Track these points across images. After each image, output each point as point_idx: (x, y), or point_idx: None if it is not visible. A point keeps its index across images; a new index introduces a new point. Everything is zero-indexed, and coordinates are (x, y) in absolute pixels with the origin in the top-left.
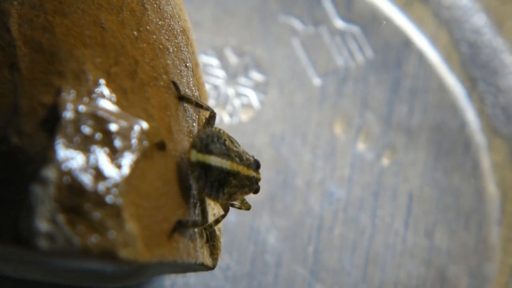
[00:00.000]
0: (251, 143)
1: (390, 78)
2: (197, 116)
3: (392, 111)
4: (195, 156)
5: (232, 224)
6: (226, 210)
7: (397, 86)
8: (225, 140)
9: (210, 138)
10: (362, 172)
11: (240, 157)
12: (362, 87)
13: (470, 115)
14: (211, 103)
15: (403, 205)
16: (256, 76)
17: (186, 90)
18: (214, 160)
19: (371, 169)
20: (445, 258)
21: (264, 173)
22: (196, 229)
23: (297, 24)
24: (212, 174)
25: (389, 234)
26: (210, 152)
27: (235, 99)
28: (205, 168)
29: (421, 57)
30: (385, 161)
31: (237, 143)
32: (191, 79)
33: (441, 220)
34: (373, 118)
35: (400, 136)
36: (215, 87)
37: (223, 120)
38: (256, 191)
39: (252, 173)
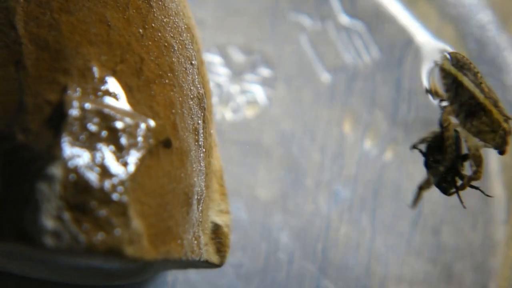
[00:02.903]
0: (258, 140)
1: (396, 76)
2: (202, 114)
3: (398, 109)
4: (448, 65)
5: (245, 221)
6: (477, 162)
7: (402, 84)
8: (479, 76)
9: (466, 65)
10: (368, 170)
11: (494, 101)
12: (369, 85)
13: None
14: (214, 100)
15: (407, 202)
16: (264, 71)
17: (191, 88)
18: (468, 82)
19: (376, 166)
20: (451, 255)
21: (275, 172)
22: (199, 227)
23: (304, 20)
24: (463, 95)
25: (393, 232)
26: (464, 74)
27: (240, 96)
28: (457, 83)
29: None
30: (388, 157)
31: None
32: (196, 76)
33: (448, 219)
34: (381, 115)
35: (404, 131)
36: (218, 85)
37: (225, 117)
38: (502, 149)
39: (503, 123)
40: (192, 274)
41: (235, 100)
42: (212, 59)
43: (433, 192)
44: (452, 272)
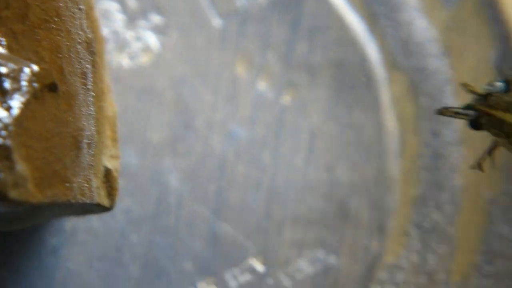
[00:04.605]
0: (152, 87)
1: (290, 17)
2: (91, 58)
3: (292, 49)
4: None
5: (134, 166)
6: None
7: (297, 24)
8: None
9: None
10: (264, 111)
11: None
12: (263, 27)
13: (371, 50)
14: (110, 47)
15: (305, 142)
16: (156, 18)
17: (79, 33)
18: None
19: (273, 108)
20: (346, 191)
21: (165, 116)
22: (91, 170)
23: None
24: None
25: (291, 171)
26: None
27: (136, 43)
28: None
29: None
30: (286, 100)
31: None
32: (84, 21)
33: (343, 155)
34: (275, 57)
35: (301, 74)
36: (115, 31)
37: (123, 64)
38: None
39: None
40: (94, 221)
41: (131, 47)
42: (108, 6)
43: (328, 128)
44: (348, 209)
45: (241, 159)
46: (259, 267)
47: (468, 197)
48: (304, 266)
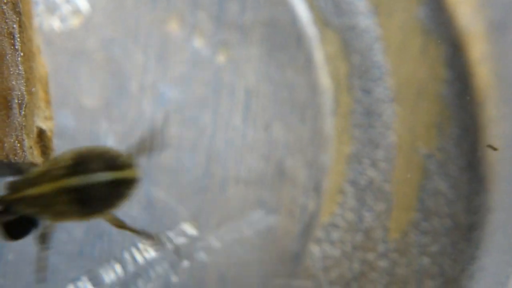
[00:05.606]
0: (83, 49)
1: None
2: (18, 19)
3: (224, 8)
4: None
5: (71, 129)
6: None
7: None
8: None
9: None
10: (199, 71)
11: None
12: None
13: (301, 8)
14: (40, 9)
15: (241, 101)
16: None
17: None
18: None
19: (207, 67)
20: (283, 151)
21: (98, 79)
22: (23, 130)
23: None
24: None
25: (228, 131)
26: None
27: (65, 5)
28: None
29: None
30: (220, 59)
31: None
32: None
33: (278, 114)
34: (206, 16)
35: (233, 33)
36: None
37: (54, 27)
38: None
39: None
40: None
41: (61, 10)
42: None
43: (262, 88)
44: (285, 169)
45: (174, 120)
46: (194, 226)
47: (402, 153)
48: (245, 225)
